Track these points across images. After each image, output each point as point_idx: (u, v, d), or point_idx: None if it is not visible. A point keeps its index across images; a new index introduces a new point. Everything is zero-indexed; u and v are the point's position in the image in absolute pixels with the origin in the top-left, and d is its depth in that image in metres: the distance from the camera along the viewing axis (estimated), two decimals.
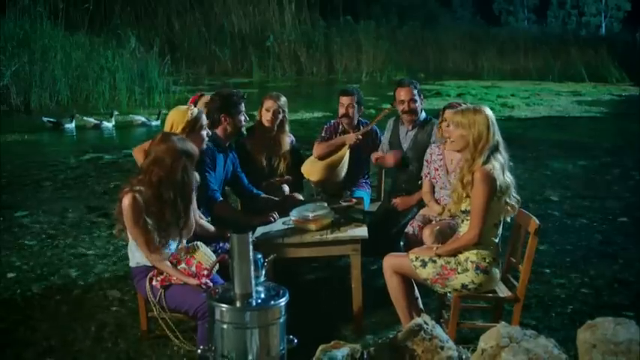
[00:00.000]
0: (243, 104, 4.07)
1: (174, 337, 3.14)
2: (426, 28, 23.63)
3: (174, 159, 3.06)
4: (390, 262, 3.41)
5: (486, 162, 3.12)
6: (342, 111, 4.69)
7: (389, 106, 4.71)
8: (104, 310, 4.03)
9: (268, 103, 4.44)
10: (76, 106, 13.38)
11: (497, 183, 3.10)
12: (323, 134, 4.74)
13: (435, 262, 3.27)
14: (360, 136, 4.56)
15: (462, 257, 3.24)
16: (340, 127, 4.74)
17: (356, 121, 4.74)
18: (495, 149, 3.15)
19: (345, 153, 4.56)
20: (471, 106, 3.29)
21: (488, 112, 3.21)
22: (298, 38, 20.90)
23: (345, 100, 4.66)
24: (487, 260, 3.21)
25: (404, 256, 3.41)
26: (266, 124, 4.46)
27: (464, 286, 3.22)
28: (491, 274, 3.23)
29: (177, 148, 3.08)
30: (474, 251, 3.20)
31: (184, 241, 3.25)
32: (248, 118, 4.27)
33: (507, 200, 3.18)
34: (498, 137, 3.18)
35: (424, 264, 3.28)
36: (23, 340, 3.63)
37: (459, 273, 3.21)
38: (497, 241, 3.26)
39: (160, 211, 3.06)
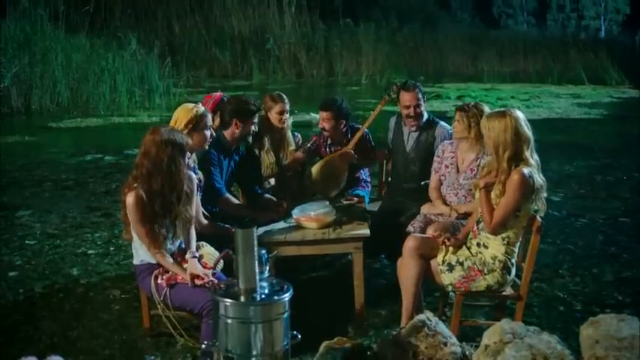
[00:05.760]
0: (256, 116, 4.13)
1: (177, 335, 3.14)
2: (426, 31, 23.61)
3: (159, 148, 3.05)
4: (419, 243, 3.32)
5: (521, 163, 3.10)
6: (320, 124, 4.50)
7: (381, 101, 4.47)
8: (106, 308, 4.04)
9: (280, 107, 4.50)
10: (77, 108, 13.38)
11: (535, 186, 3.09)
12: (309, 145, 4.61)
13: (462, 264, 3.24)
14: (352, 151, 4.39)
15: (487, 256, 3.21)
16: (329, 139, 4.57)
17: (340, 133, 4.54)
18: (522, 151, 3.13)
19: (346, 168, 4.43)
20: (496, 112, 3.29)
21: (514, 116, 3.20)
22: (298, 41, 20.87)
23: (322, 114, 4.45)
24: (512, 260, 3.21)
25: (433, 240, 3.36)
26: (280, 125, 4.54)
27: (489, 287, 3.21)
28: (511, 274, 3.24)
29: (163, 138, 3.06)
30: (502, 250, 3.19)
31: (181, 235, 3.23)
32: (257, 130, 4.30)
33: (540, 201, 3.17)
34: (526, 139, 3.16)
35: (451, 268, 3.25)
36: (26, 338, 3.63)
37: (485, 274, 3.20)
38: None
39: (151, 203, 3.05)
